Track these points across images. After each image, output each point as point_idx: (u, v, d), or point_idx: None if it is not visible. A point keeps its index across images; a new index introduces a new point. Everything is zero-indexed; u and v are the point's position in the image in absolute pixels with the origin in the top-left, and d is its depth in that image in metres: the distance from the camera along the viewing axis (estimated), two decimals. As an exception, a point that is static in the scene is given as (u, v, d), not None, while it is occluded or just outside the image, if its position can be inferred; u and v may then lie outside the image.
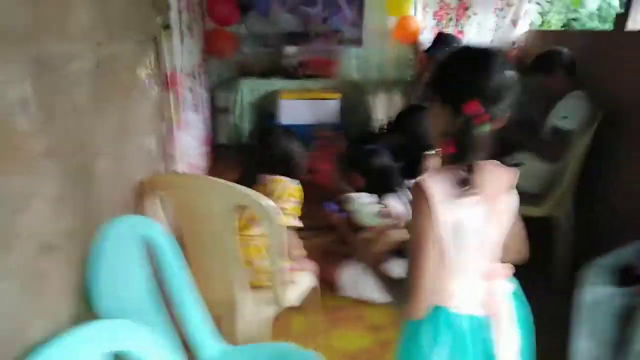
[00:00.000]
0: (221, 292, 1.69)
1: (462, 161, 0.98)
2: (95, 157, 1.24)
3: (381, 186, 2.38)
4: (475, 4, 3.89)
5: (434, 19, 4.04)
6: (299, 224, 1.79)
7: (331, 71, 4.35)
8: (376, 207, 1.45)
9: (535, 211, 2.50)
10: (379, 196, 2.29)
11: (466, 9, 3.93)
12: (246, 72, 4.32)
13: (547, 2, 6.99)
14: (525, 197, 2.70)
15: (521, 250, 1.21)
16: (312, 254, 2.83)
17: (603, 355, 1.68)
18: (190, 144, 2.86)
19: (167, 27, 2.22)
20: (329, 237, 3.01)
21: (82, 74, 1.16)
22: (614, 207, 2.50)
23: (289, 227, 1.73)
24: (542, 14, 7.09)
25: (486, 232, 1.06)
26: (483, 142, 0.97)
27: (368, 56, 4.41)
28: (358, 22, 4.39)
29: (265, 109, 4.23)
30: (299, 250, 1.95)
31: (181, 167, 2.44)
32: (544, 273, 2.57)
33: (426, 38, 3.97)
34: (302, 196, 1.84)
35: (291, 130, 2.03)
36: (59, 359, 0.83)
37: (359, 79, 4.42)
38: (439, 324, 1.08)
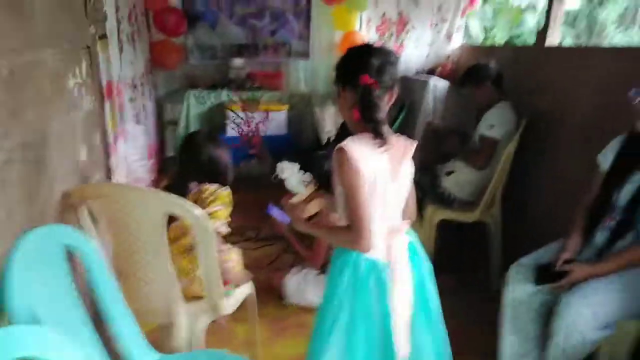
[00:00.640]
0: (156, 302, 1.67)
1: (369, 122, 1.26)
2: (9, 166, 1.21)
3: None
4: (414, 19, 4.04)
5: (377, 33, 4.17)
6: (227, 229, 1.77)
7: (279, 83, 4.40)
8: (304, 176, 1.57)
9: (468, 217, 2.61)
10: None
11: (405, 23, 4.08)
12: (194, 83, 4.30)
13: (490, 18, 7.37)
14: (460, 203, 2.84)
15: (413, 211, 1.49)
16: (259, 263, 2.85)
17: (527, 350, 1.77)
18: (131, 156, 2.82)
19: (103, 36, 2.20)
20: (279, 247, 3.03)
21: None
22: (538, 211, 2.66)
23: (218, 234, 1.73)
24: (486, 30, 7.46)
25: (391, 189, 1.33)
26: (380, 104, 1.27)
27: (316, 69, 4.48)
28: (305, 36, 4.46)
29: (213, 121, 4.22)
30: (237, 262, 1.95)
31: (121, 178, 2.40)
32: (482, 276, 2.69)
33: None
34: (232, 202, 1.80)
35: (216, 135, 1.99)
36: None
37: (306, 91, 4.48)
38: (346, 263, 1.33)
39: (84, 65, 1.84)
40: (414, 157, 1.40)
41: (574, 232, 1.78)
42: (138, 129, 3.08)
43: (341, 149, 1.25)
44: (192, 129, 4.18)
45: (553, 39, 2.72)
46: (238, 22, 4.38)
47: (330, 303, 1.35)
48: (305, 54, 4.50)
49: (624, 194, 1.69)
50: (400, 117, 3.53)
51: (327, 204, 1.54)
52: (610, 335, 1.54)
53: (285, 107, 4.12)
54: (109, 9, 2.28)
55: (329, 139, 4.11)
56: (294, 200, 1.51)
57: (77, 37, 1.82)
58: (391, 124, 1.40)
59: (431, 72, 3.90)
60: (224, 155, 1.86)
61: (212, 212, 1.69)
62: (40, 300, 1.13)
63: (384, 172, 1.31)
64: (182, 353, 1.60)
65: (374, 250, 1.31)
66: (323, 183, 2.60)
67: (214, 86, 4.26)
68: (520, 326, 1.78)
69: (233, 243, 2.01)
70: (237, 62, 4.27)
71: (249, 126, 3.99)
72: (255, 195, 4.00)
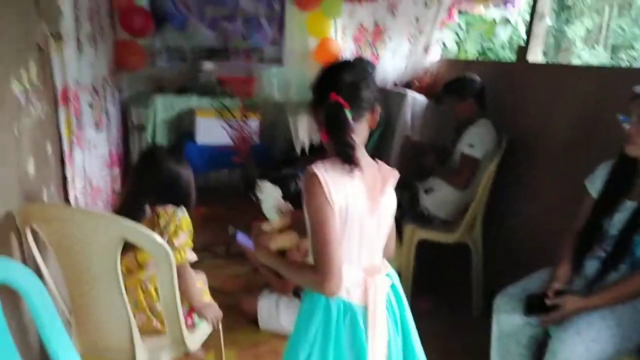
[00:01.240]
0: (111, 338, 1.49)
1: (337, 144, 1.12)
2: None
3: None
4: (390, 29, 3.93)
5: (354, 42, 4.06)
6: (194, 257, 1.59)
7: (251, 90, 4.23)
8: (283, 204, 1.38)
9: (448, 237, 2.51)
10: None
11: (381, 33, 3.97)
12: (161, 87, 4.08)
13: (461, 30, 7.41)
14: (440, 223, 2.72)
15: (392, 250, 1.34)
16: (231, 286, 2.67)
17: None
18: (91, 165, 2.61)
19: (58, 37, 1.99)
20: (246, 267, 2.85)
21: None
22: (520, 233, 2.58)
23: (186, 264, 1.56)
24: (458, 43, 7.50)
25: (368, 224, 1.18)
26: (350, 125, 1.13)
27: (289, 76, 4.34)
28: (278, 41, 4.32)
29: (181, 127, 4.01)
30: (202, 290, 1.78)
31: (78, 191, 2.19)
32: (466, 298, 2.59)
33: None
34: (190, 226, 1.60)
35: (178, 151, 1.78)
36: None
37: (279, 99, 4.32)
38: (315, 306, 1.18)
39: (33, 68, 1.64)
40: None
41: (563, 260, 1.70)
42: (99, 136, 2.85)
43: (313, 175, 1.11)
44: (160, 136, 3.96)
45: (535, 55, 2.66)
46: (209, 24, 4.20)
47: (298, 353, 1.19)
48: (278, 60, 4.36)
49: (615, 223, 1.62)
50: (378, 130, 3.42)
51: (296, 239, 1.34)
52: (604, 373, 1.45)
53: (258, 115, 3.94)
54: (66, 7, 2.07)
55: (303, 149, 3.97)
56: (265, 226, 1.32)
57: (22, 34, 1.60)
58: (367, 139, 1.24)
59: (407, 85, 3.81)
60: (187, 174, 1.64)
61: (181, 244, 1.51)
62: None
63: (359, 204, 1.15)
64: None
65: (347, 293, 1.17)
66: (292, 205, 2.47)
67: (182, 90, 4.05)
68: (509, 358, 1.70)
69: (201, 262, 1.83)
70: (207, 65, 4.07)
71: (242, 132, 3.80)
72: (228, 208, 3.81)
